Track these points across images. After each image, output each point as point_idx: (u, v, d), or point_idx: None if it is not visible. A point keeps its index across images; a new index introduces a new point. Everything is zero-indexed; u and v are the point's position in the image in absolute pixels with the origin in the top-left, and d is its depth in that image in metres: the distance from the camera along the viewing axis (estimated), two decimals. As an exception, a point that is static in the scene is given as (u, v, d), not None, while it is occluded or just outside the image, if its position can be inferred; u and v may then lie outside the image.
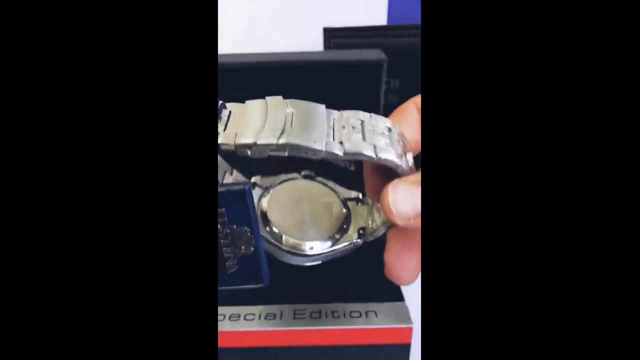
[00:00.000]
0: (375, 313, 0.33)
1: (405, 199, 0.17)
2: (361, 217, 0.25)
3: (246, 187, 0.19)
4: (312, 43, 0.55)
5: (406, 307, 0.34)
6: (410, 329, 0.32)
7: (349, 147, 0.18)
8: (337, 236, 0.25)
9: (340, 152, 0.18)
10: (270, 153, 0.18)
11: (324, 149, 0.17)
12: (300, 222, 0.25)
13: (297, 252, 0.24)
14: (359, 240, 0.24)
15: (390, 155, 0.18)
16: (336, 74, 0.36)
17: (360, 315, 0.33)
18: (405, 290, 0.36)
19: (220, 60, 0.31)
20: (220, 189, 0.19)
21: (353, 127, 0.18)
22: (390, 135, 0.19)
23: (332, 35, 0.51)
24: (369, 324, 0.32)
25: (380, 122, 0.19)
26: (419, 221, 0.18)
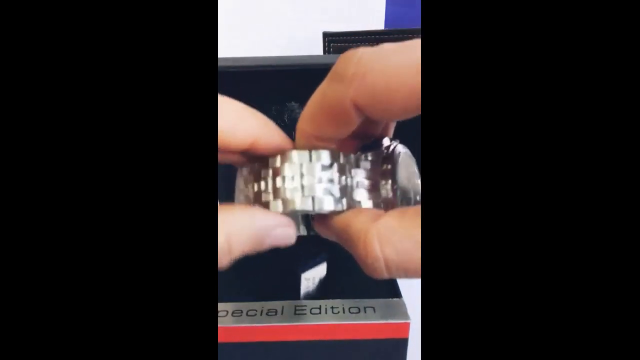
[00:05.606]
0: (374, 309, 0.34)
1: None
2: None
3: None
4: (311, 47, 0.56)
5: (403, 303, 0.34)
6: (408, 324, 0.33)
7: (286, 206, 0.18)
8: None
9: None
10: None
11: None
12: None
13: None
14: None
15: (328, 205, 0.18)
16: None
17: (359, 311, 0.34)
18: (403, 286, 0.36)
19: (220, 63, 0.32)
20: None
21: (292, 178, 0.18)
22: (330, 173, 0.18)
23: (331, 40, 0.52)
24: (367, 319, 0.33)
25: (321, 158, 0.18)
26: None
